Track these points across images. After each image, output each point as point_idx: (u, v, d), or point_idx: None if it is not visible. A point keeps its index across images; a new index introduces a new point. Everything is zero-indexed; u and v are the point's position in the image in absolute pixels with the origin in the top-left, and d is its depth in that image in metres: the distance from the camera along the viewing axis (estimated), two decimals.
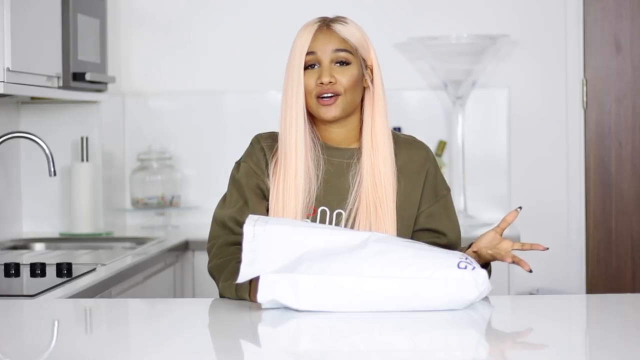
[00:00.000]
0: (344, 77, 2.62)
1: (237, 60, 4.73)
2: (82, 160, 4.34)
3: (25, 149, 4.32)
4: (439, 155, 4.61)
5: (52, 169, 3.75)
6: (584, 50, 4.61)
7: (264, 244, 2.40)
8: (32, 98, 4.25)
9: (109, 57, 4.35)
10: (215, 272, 2.63)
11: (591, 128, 4.63)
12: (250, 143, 2.74)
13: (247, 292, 2.50)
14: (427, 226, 2.69)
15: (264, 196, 2.67)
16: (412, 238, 2.69)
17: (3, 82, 3.41)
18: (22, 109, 4.37)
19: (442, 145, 4.62)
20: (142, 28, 4.73)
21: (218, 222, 2.68)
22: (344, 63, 2.63)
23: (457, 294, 2.32)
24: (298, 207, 2.61)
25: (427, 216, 2.69)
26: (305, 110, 2.63)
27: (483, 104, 4.65)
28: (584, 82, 4.61)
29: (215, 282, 2.63)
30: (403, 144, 2.71)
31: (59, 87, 3.83)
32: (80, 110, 4.40)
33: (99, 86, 4.19)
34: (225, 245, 2.64)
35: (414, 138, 2.75)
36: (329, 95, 2.62)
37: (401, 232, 2.65)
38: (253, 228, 2.42)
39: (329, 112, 2.63)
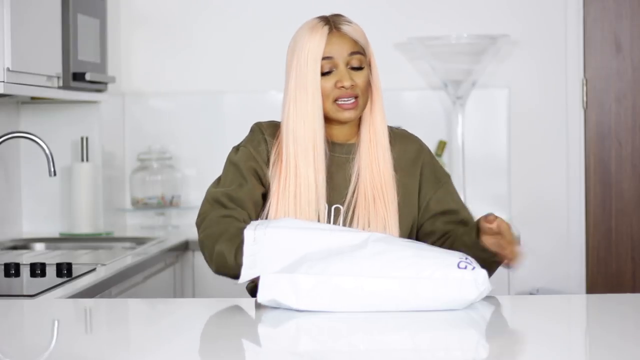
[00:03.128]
0: (359, 80, 2.63)
1: (237, 61, 4.73)
2: (82, 160, 4.34)
3: (25, 149, 4.32)
4: (439, 155, 4.61)
5: (52, 169, 3.75)
6: (584, 50, 4.61)
7: (265, 247, 2.40)
8: (32, 98, 4.25)
9: (109, 57, 4.35)
10: (207, 241, 2.54)
11: (591, 128, 4.63)
12: (251, 130, 2.72)
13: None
14: (439, 209, 2.69)
15: (261, 182, 2.66)
16: (427, 226, 2.69)
17: (3, 82, 3.41)
18: (22, 109, 4.37)
19: (442, 145, 4.62)
20: (142, 28, 4.73)
21: (209, 199, 2.63)
22: (357, 68, 2.64)
23: (457, 294, 2.32)
24: (320, 209, 2.61)
25: (437, 201, 2.69)
26: (323, 113, 2.63)
27: (483, 104, 4.66)
28: (584, 82, 4.61)
29: (208, 250, 2.54)
30: (397, 137, 2.73)
31: (59, 87, 3.83)
32: (80, 110, 4.40)
33: (99, 86, 4.19)
34: (218, 218, 2.57)
35: (407, 131, 2.77)
36: (350, 99, 2.62)
37: (402, 224, 2.66)
38: (254, 232, 2.42)
39: (350, 115, 2.63)
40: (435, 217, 2.69)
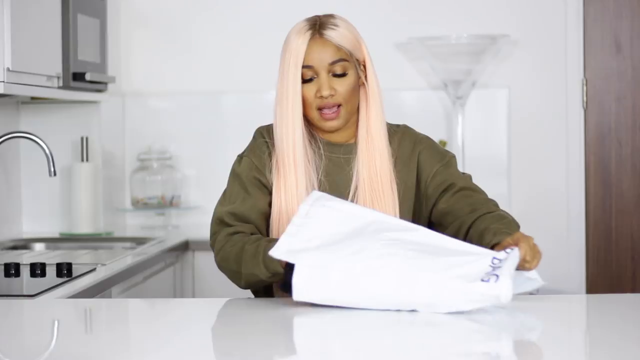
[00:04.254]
0: (342, 87, 2.61)
1: (237, 60, 4.73)
2: (82, 160, 4.34)
3: (25, 149, 4.32)
4: None
5: (52, 169, 3.75)
6: (584, 50, 4.61)
7: (313, 222, 2.38)
8: (32, 98, 4.25)
9: (109, 57, 4.35)
10: (226, 263, 2.58)
11: (591, 128, 4.63)
12: (254, 136, 2.73)
13: (279, 265, 2.45)
14: (441, 189, 2.65)
15: (267, 191, 2.66)
16: (434, 207, 2.66)
17: (3, 82, 3.42)
18: (22, 109, 4.37)
19: (442, 145, 4.62)
20: (142, 28, 4.73)
21: (216, 219, 2.66)
22: (340, 75, 2.62)
23: (477, 307, 2.29)
24: None
25: (437, 184, 2.66)
26: (302, 122, 2.62)
27: (483, 104, 4.66)
28: (584, 82, 4.61)
29: (230, 271, 2.57)
30: (396, 133, 2.72)
31: (59, 87, 3.84)
32: (80, 110, 4.40)
33: (99, 86, 4.19)
34: (226, 236, 2.60)
35: (408, 127, 2.76)
36: (332, 109, 2.61)
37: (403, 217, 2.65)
38: (309, 207, 2.41)
39: (332, 124, 2.63)
40: (439, 197, 2.66)
